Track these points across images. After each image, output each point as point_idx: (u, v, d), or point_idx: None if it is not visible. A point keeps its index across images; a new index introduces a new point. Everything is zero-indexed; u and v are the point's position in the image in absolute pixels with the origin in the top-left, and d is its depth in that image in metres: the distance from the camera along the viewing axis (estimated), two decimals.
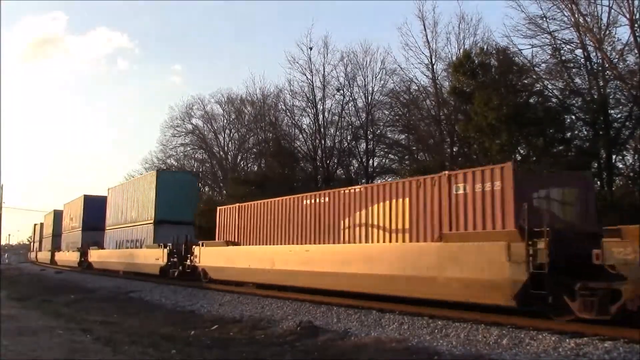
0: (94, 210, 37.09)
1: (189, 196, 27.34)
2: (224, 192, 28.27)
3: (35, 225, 67.12)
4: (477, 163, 21.55)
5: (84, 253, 36.08)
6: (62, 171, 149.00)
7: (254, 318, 11.54)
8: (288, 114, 37.27)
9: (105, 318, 11.51)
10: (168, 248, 22.88)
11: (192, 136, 48.83)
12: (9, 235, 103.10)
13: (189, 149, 47.83)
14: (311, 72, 35.22)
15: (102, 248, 33.80)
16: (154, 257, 23.79)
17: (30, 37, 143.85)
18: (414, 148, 32.70)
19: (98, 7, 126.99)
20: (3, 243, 70.30)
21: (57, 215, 49.71)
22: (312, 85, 35.29)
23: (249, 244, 17.90)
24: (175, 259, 22.40)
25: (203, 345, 8.39)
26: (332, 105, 35.64)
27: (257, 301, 14.55)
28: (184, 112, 48.85)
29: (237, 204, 19.21)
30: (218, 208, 20.53)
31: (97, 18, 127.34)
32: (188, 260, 21.22)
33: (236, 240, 18.66)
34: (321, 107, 35.35)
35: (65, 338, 8.54)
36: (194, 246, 20.85)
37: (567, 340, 7.90)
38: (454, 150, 28.38)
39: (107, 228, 34.21)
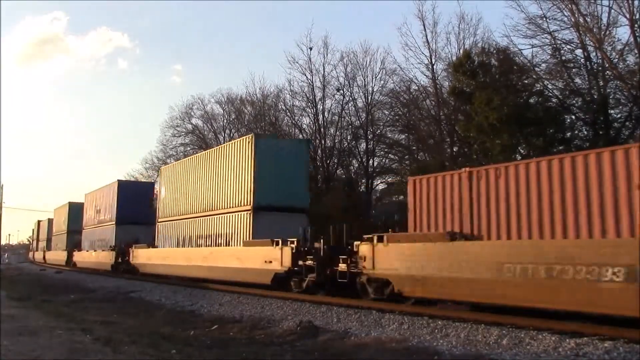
0: (132, 199, 30.43)
1: (300, 173, 19.46)
2: None
3: (38, 222, 61.22)
4: (478, 163, 21.61)
5: (122, 253, 28.94)
6: (62, 171, 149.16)
7: (254, 318, 11.54)
8: (288, 114, 37.42)
9: (105, 318, 11.50)
10: (292, 246, 15.52)
11: (192, 136, 49.09)
12: (9, 235, 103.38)
13: (189, 148, 48.09)
14: (311, 72, 35.40)
15: (153, 246, 25.98)
16: (263, 258, 16.61)
17: (30, 37, 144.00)
18: (414, 148, 32.77)
19: (98, 7, 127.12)
20: (3, 243, 70.12)
21: (74, 209, 41.93)
22: (312, 85, 35.46)
23: (503, 238, 11.08)
24: (308, 263, 15.01)
25: (203, 345, 8.39)
26: (332, 105, 35.79)
27: (257, 301, 14.54)
28: (184, 112, 49.13)
29: (467, 168, 12.38)
30: (410, 179, 13.92)
31: (97, 18, 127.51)
32: (341, 265, 13.99)
33: (472, 230, 11.76)
34: (321, 107, 35.49)
35: (65, 338, 8.53)
36: (356, 243, 13.66)
37: (567, 340, 7.90)
38: (454, 150, 28.44)
39: (159, 220, 26.05)
